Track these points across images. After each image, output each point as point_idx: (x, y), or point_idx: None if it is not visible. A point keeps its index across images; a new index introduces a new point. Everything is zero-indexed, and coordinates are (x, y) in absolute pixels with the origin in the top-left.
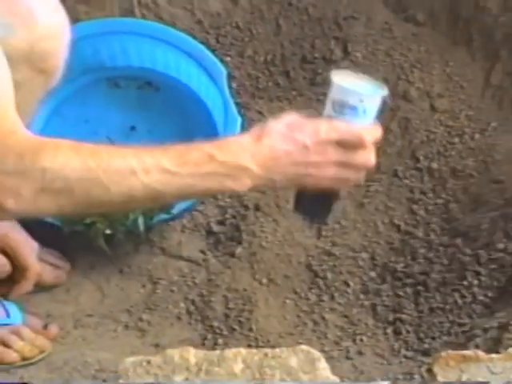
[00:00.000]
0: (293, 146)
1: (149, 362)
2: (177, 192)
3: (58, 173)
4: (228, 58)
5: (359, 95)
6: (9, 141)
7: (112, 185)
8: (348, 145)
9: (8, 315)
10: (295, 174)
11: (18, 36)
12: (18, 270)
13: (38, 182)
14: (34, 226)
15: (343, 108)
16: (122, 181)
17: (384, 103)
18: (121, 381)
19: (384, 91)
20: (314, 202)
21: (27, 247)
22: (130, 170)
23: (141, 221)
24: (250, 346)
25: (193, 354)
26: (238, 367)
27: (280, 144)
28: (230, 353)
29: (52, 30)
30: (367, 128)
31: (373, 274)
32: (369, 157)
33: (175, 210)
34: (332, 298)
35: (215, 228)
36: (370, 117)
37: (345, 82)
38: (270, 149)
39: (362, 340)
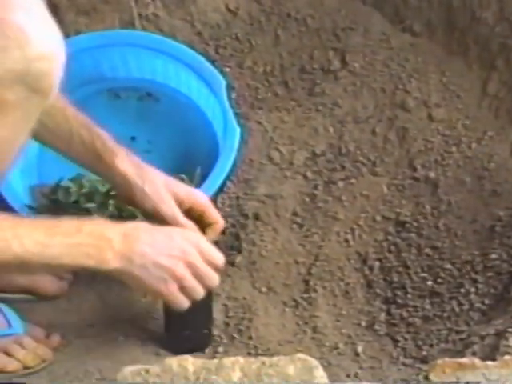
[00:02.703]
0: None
1: (147, 371)
2: (47, 262)
3: None
4: (227, 69)
5: None
6: None
7: None
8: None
9: (10, 325)
10: (155, 265)
11: (12, 57)
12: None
13: None
14: None
15: None
16: None
17: None
18: None
19: None
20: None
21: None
22: (4, 242)
23: None
24: (249, 354)
25: (191, 363)
26: (236, 375)
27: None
28: (228, 361)
29: (46, 51)
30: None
31: (372, 282)
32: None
33: None
34: (331, 305)
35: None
36: None
37: None
38: (135, 231)
39: (360, 348)
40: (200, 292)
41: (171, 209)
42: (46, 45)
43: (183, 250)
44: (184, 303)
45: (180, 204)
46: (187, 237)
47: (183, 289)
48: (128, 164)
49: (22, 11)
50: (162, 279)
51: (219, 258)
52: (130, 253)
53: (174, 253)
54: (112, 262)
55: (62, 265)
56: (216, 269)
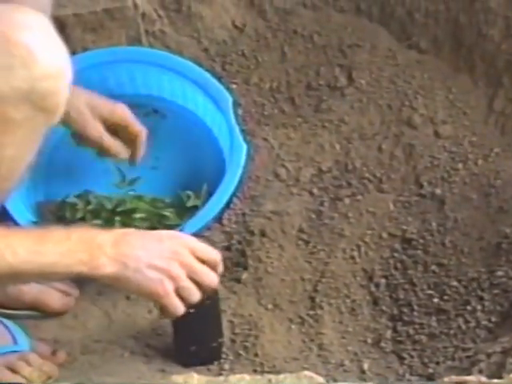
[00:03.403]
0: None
1: None
2: (41, 270)
3: None
4: (234, 86)
5: None
6: None
7: None
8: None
9: (15, 342)
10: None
11: (17, 76)
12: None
13: None
14: None
15: None
16: None
17: None
18: None
19: None
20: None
21: None
22: None
23: None
24: (255, 371)
25: (197, 380)
26: None
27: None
28: (233, 378)
29: (53, 69)
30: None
31: (378, 299)
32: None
33: None
34: (337, 323)
35: (221, 254)
36: None
37: None
38: (125, 236)
39: (366, 365)
40: (196, 294)
41: (96, 131)
42: (52, 64)
43: (175, 251)
44: (179, 307)
45: (104, 121)
46: (177, 238)
47: (180, 290)
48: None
49: (28, 30)
50: (157, 281)
51: (214, 254)
52: (123, 257)
53: (166, 254)
54: (106, 268)
55: (55, 272)
56: (213, 268)
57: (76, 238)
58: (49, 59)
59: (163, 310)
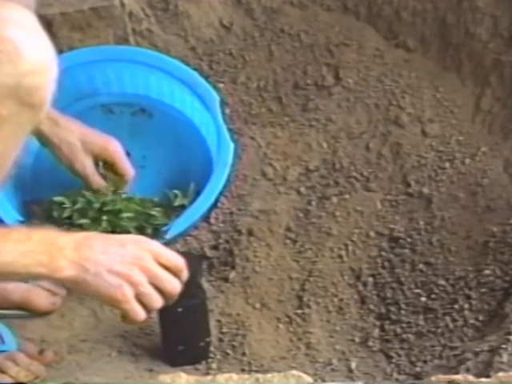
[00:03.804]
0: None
1: None
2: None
3: None
4: (221, 85)
5: None
6: None
7: None
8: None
9: (2, 341)
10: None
11: (4, 72)
12: None
13: None
14: None
15: None
16: None
17: None
18: None
19: None
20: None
21: None
22: None
23: None
24: (243, 370)
25: (185, 379)
26: None
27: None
28: (221, 378)
29: (39, 65)
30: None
31: (366, 298)
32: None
33: (168, 236)
34: (325, 322)
35: (208, 253)
36: None
37: None
38: (87, 239)
39: (354, 364)
40: (158, 301)
41: (82, 167)
42: (38, 59)
43: (137, 257)
44: (140, 314)
45: (95, 157)
46: (141, 243)
47: (140, 296)
48: (46, 123)
49: (15, 26)
50: (117, 286)
51: (177, 260)
52: (83, 261)
53: (128, 259)
54: (65, 271)
55: (14, 272)
56: (176, 274)
57: (37, 239)
58: (35, 55)
59: (123, 315)
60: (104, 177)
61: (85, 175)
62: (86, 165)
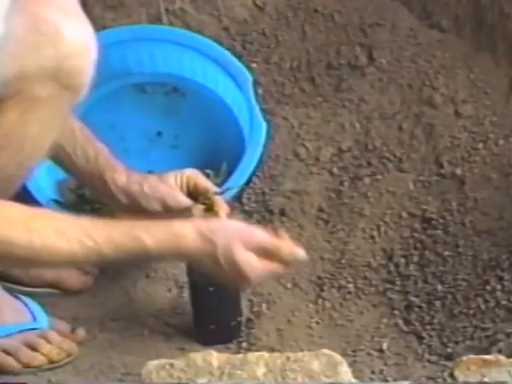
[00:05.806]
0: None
1: (172, 366)
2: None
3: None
4: (254, 65)
5: None
6: None
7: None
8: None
9: (34, 319)
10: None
11: (45, 54)
12: None
13: None
14: None
15: None
16: (58, 259)
17: None
18: None
19: None
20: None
21: None
22: (71, 252)
23: None
24: (273, 349)
25: (216, 358)
26: (261, 371)
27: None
28: (252, 356)
29: (79, 48)
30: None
31: (396, 278)
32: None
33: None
34: (355, 303)
35: None
36: None
37: None
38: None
39: (385, 344)
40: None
41: (174, 197)
42: (79, 42)
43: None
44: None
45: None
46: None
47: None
48: (125, 176)
49: (57, 8)
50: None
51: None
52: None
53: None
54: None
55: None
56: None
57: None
58: (76, 37)
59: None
60: None
61: (179, 203)
62: (175, 194)
